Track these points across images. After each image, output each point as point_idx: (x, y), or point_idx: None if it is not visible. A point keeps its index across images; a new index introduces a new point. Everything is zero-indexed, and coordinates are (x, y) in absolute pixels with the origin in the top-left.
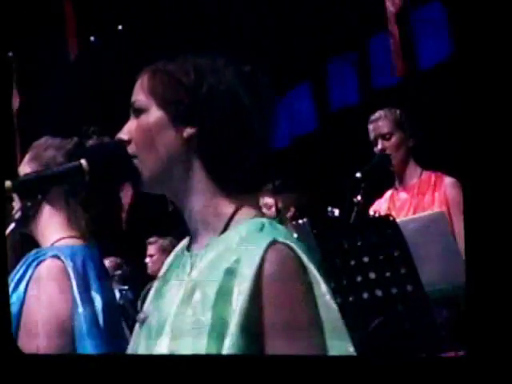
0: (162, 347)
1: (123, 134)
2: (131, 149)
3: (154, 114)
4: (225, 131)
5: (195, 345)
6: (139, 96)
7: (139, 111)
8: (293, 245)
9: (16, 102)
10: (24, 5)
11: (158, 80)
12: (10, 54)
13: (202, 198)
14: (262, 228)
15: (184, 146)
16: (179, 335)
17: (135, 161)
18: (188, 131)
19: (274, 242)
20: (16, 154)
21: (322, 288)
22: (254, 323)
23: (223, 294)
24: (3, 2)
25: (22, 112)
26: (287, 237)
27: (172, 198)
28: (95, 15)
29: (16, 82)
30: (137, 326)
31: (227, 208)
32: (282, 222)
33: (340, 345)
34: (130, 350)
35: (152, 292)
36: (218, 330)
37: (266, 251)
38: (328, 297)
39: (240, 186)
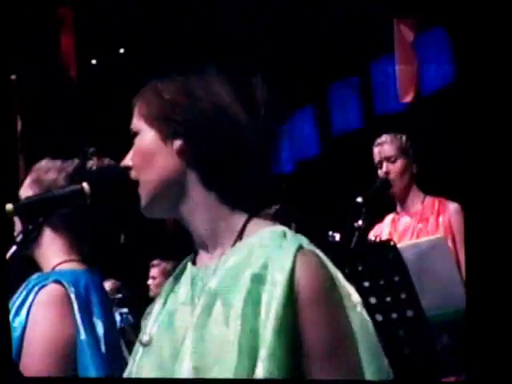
0: (184, 368)
1: (125, 161)
2: (132, 174)
3: (146, 134)
4: (213, 140)
5: (222, 359)
6: (133, 120)
7: (134, 135)
8: (318, 252)
9: (19, 125)
10: (27, 26)
11: (143, 100)
12: (13, 76)
13: (206, 213)
14: (284, 235)
15: (179, 162)
16: (202, 352)
17: (138, 187)
18: (176, 144)
19: (301, 248)
20: (19, 176)
21: (352, 298)
22: (290, 330)
23: (251, 301)
24: (6, 22)
25: (24, 135)
26: (311, 245)
27: (177, 218)
28: (96, 38)
29: (18, 105)
30: (138, 348)
31: (237, 220)
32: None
33: (376, 359)
34: (130, 373)
35: (155, 313)
36: (247, 340)
37: (295, 256)
38: (359, 307)
39: (246, 199)
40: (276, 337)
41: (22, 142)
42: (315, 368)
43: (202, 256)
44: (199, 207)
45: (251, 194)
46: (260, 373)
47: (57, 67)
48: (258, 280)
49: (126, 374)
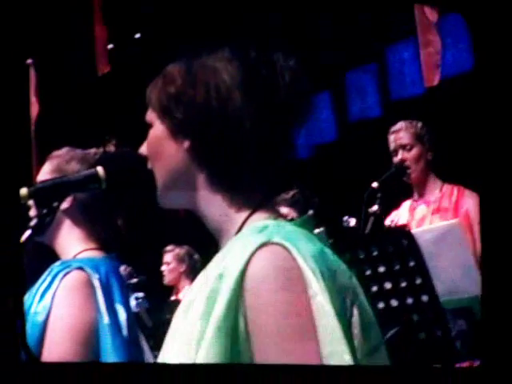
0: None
1: (141, 151)
2: (148, 165)
3: (157, 127)
4: (219, 143)
5: (187, 355)
6: (148, 110)
7: (149, 126)
8: (288, 244)
9: (35, 110)
10: (48, 13)
11: (155, 93)
12: (29, 60)
13: (213, 207)
14: (262, 229)
15: (187, 158)
16: (175, 347)
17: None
18: (186, 141)
19: (266, 243)
20: (32, 162)
21: (313, 288)
22: (233, 326)
23: (211, 300)
24: (26, 8)
25: (40, 120)
26: (288, 236)
27: (189, 209)
28: (112, 23)
29: (36, 90)
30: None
31: (241, 214)
32: (306, 221)
33: (336, 351)
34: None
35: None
36: (197, 335)
37: (253, 253)
38: (320, 297)
39: (252, 193)
40: (217, 332)
41: (36, 127)
42: (270, 354)
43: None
44: (207, 202)
45: (259, 187)
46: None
47: (80, 53)
48: (220, 279)
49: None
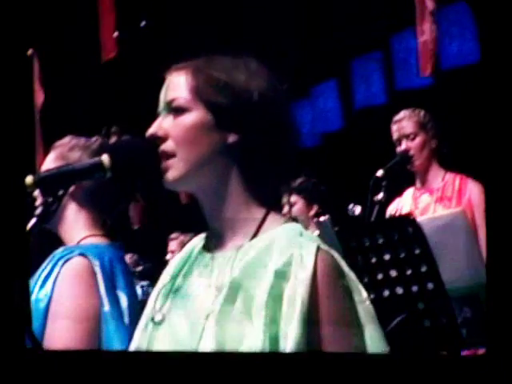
0: (205, 348)
1: (158, 130)
2: (168, 146)
3: (200, 114)
4: (268, 142)
5: (243, 344)
6: (180, 94)
7: (180, 110)
8: (333, 252)
9: (40, 98)
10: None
11: (203, 80)
12: (31, 51)
13: (234, 203)
14: (301, 233)
15: (226, 151)
16: (224, 337)
17: (170, 160)
18: (233, 137)
19: (319, 248)
20: (36, 150)
21: (362, 294)
22: (311, 321)
23: (274, 295)
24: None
25: (45, 108)
26: (325, 245)
27: (199, 198)
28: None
29: (40, 79)
30: (148, 323)
31: (257, 213)
32: (296, 220)
33: (379, 347)
34: (140, 347)
35: (166, 289)
36: (270, 330)
37: (316, 256)
38: (368, 302)
39: (269, 190)
40: (301, 328)
41: (41, 116)
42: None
43: (218, 242)
44: (230, 195)
45: (278, 187)
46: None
47: (83, 41)
48: (281, 276)
49: (133, 347)
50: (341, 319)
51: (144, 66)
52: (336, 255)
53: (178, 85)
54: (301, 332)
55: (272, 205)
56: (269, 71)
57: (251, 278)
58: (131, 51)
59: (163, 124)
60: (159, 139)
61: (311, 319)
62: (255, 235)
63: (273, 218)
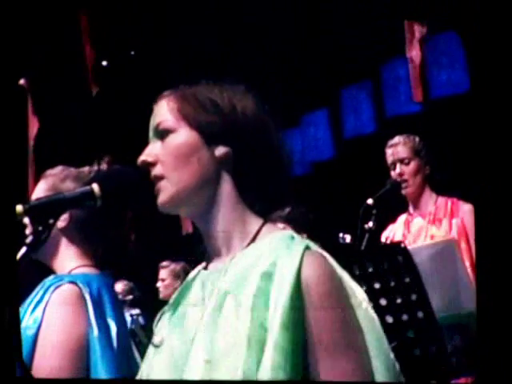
0: (196, 361)
1: (147, 157)
2: (157, 170)
3: (185, 133)
4: (258, 151)
5: (233, 352)
6: (165, 117)
7: (166, 132)
8: (325, 253)
9: (34, 127)
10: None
11: (187, 101)
12: (22, 81)
13: (228, 216)
14: (293, 237)
15: (216, 166)
16: (214, 346)
17: (160, 183)
18: (221, 150)
19: (308, 248)
20: (28, 179)
21: (358, 296)
22: (296, 324)
23: (261, 296)
24: (16, 27)
25: (39, 137)
26: (318, 247)
27: (194, 218)
28: (106, 40)
29: (34, 109)
30: (150, 349)
31: (253, 224)
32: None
33: (383, 353)
34: (142, 373)
35: (167, 315)
36: (257, 333)
37: (302, 255)
38: (365, 304)
39: (264, 202)
40: (283, 330)
41: (35, 145)
42: (323, 364)
43: (214, 260)
44: (224, 210)
45: (273, 199)
46: (267, 363)
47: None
48: (267, 277)
49: (139, 376)
50: (332, 325)
51: (136, 96)
52: (327, 256)
53: (162, 110)
54: (282, 334)
55: (268, 216)
56: (256, 95)
57: (240, 285)
58: (121, 81)
59: (153, 150)
60: (150, 165)
61: (296, 321)
62: (249, 245)
63: (268, 228)
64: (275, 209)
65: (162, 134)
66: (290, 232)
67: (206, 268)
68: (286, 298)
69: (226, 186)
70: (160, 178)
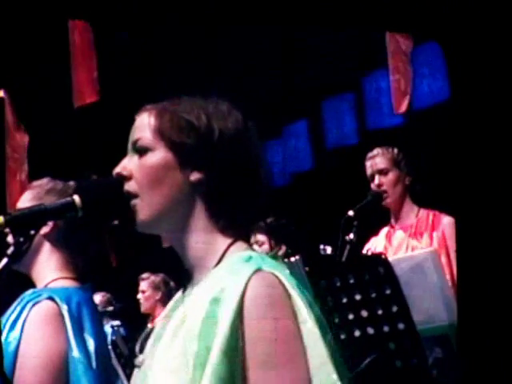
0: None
1: (122, 170)
2: (131, 186)
3: (162, 154)
4: (233, 177)
5: (181, 376)
6: (144, 134)
7: (144, 150)
8: (277, 272)
9: (24, 138)
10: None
11: (167, 120)
12: (1, 93)
13: (198, 236)
14: (249, 259)
15: (189, 189)
16: (165, 370)
17: (134, 200)
18: (195, 175)
19: (258, 270)
20: (6, 190)
21: (303, 314)
22: (235, 349)
23: (208, 322)
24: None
25: (32, 148)
26: (274, 267)
27: (167, 237)
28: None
29: (15, 119)
30: (135, 369)
31: (221, 244)
32: (275, 258)
33: (324, 373)
34: None
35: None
36: (203, 359)
37: (249, 278)
38: (310, 324)
39: (235, 223)
40: (221, 355)
41: (28, 157)
42: (255, 376)
43: (190, 279)
44: (196, 231)
45: (245, 214)
46: None
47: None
48: (216, 302)
49: None
50: (276, 347)
51: (123, 108)
52: (280, 275)
53: (142, 125)
54: (220, 359)
55: (238, 236)
56: (238, 112)
57: (195, 309)
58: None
59: (129, 164)
60: (125, 178)
61: (236, 345)
62: (216, 266)
63: (237, 247)
64: (246, 228)
65: (140, 150)
66: (248, 253)
67: (185, 287)
68: (227, 323)
69: (198, 209)
70: (134, 195)
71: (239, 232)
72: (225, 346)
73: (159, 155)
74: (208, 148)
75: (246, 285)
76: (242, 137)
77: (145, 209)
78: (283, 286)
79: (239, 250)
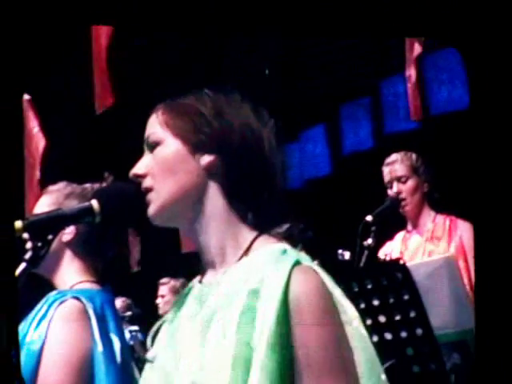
0: (183, 382)
1: (138, 169)
2: (146, 182)
3: (171, 144)
4: (245, 158)
5: (219, 372)
6: (154, 129)
7: (154, 144)
8: (317, 268)
9: (42, 143)
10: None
11: (173, 111)
12: (27, 96)
13: (220, 227)
14: (284, 251)
15: (203, 175)
16: (201, 365)
17: (150, 194)
18: (206, 159)
19: (298, 263)
20: (25, 195)
21: (348, 313)
22: (283, 344)
23: (247, 315)
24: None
25: (47, 153)
26: (310, 261)
27: (187, 230)
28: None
29: (39, 123)
30: (147, 365)
31: (246, 237)
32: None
33: (375, 373)
34: None
35: (162, 330)
36: (243, 353)
37: (291, 271)
38: (356, 322)
39: (259, 216)
40: (269, 350)
41: (43, 161)
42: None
43: (209, 273)
44: (213, 222)
45: (266, 211)
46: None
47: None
48: (254, 295)
49: None
50: (321, 343)
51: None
52: (319, 270)
53: (152, 122)
54: (268, 354)
55: (262, 228)
56: (249, 103)
57: (228, 302)
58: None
59: (144, 162)
60: (141, 177)
61: (284, 340)
62: (241, 259)
63: (263, 241)
64: (269, 221)
65: (152, 146)
66: (282, 245)
67: (200, 281)
68: (273, 317)
69: (216, 197)
70: (149, 189)
71: (264, 225)
72: (272, 340)
73: (168, 145)
74: (216, 131)
75: (289, 278)
76: (253, 124)
77: (160, 200)
78: (323, 282)
79: (268, 243)
